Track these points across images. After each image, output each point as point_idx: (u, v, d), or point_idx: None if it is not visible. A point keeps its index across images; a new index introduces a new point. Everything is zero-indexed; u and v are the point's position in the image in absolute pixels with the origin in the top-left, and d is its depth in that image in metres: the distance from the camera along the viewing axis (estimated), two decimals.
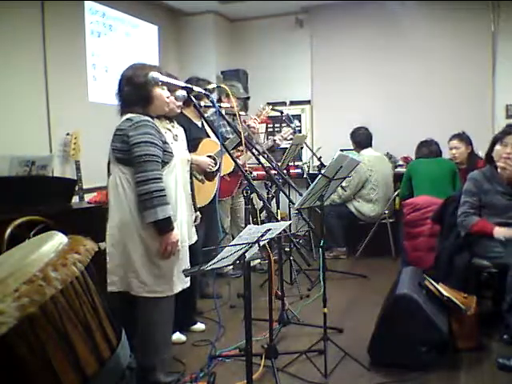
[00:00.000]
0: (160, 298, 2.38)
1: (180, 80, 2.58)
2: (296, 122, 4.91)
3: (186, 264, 2.53)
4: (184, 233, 2.52)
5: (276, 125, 6.26)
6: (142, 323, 2.42)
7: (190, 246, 2.73)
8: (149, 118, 2.36)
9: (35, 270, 1.56)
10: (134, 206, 2.31)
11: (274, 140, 4.29)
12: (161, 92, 2.42)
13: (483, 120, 5.45)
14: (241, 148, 3.65)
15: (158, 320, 2.42)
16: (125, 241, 2.35)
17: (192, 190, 2.98)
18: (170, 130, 2.86)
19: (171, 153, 2.40)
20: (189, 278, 2.54)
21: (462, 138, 4.31)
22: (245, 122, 3.93)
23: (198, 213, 3.05)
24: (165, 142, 2.38)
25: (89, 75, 4.66)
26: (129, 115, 2.35)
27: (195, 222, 3.00)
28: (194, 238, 2.94)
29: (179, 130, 2.97)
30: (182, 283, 2.48)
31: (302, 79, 6.26)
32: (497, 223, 3.07)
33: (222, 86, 2.92)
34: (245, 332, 1.88)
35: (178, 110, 2.90)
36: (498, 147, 3.13)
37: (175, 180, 2.43)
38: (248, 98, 4.58)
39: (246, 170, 4.13)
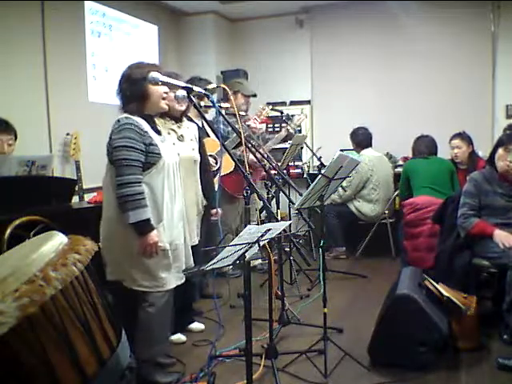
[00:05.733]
0: (151, 293, 2.41)
1: (181, 80, 2.57)
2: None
3: (181, 262, 2.53)
4: (177, 232, 2.51)
5: (276, 125, 6.27)
6: (138, 316, 2.44)
7: (191, 247, 2.73)
8: (133, 121, 2.33)
9: (35, 270, 1.56)
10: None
11: (288, 129, 4.20)
12: (157, 88, 2.37)
13: (483, 120, 5.42)
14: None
15: (152, 314, 2.43)
16: (112, 237, 2.40)
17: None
18: (174, 130, 2.84)
19: (158, 154, 2.37)
20: (183, 275, 2.55)
21: (463, 137, 4.30)
22: (244, 122, 3.92)
23: (219, 209, 3.15)
24: (150, 144, 2.35)
25: (89, 75, 4.66)
26: (120, 116, 2.37)
27: (215, 216, 3.14)
28: (196, 240, 2.94)
29: (187, 130, 2.95)
30: (175, 280, 2.49)
31: (302, 79, 6.27)
32: (496, 224, 3.07)
33: (223, 86, 2.90)
34: (245, 332, 1.88)
35: (182, 108, 2.88)
36: (500, 151, 3.12)
37: (163, 181, 2.40)
38: (255, 96, 4.51)
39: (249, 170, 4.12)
